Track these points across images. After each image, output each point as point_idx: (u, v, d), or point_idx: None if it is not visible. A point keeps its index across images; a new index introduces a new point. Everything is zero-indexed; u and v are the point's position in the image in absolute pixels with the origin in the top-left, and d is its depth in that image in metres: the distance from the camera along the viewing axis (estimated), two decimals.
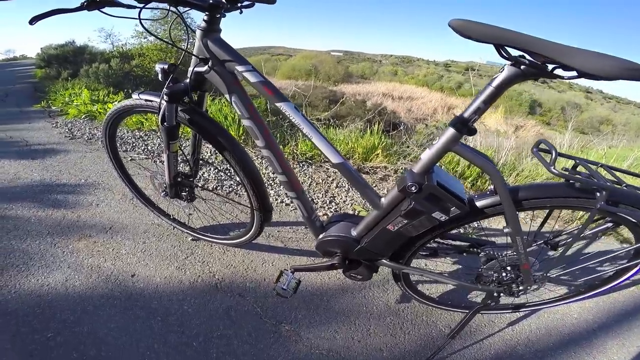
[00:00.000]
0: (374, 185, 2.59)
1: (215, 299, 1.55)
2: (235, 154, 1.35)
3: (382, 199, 1.13)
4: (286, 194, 1.36)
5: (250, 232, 1.63)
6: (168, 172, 1.52)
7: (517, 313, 1.58)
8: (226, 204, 2.14)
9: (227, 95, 1.19)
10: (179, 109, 1.29)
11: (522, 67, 0.81)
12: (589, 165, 1.02)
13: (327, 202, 2.34)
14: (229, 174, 2.51)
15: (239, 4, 1.18)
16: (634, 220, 1.05)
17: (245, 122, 1.22)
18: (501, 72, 0.86)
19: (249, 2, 1.20)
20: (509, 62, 0.83)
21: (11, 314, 1.41)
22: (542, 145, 1.06)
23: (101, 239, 1.83)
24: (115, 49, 8.25)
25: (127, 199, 2.18)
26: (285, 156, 1.79)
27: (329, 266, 1.35)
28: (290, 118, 1.14)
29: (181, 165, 1.65)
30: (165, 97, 1.21)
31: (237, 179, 1.45)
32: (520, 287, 1.27)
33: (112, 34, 9.34)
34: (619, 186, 1.02)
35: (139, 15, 0.96)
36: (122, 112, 1.49)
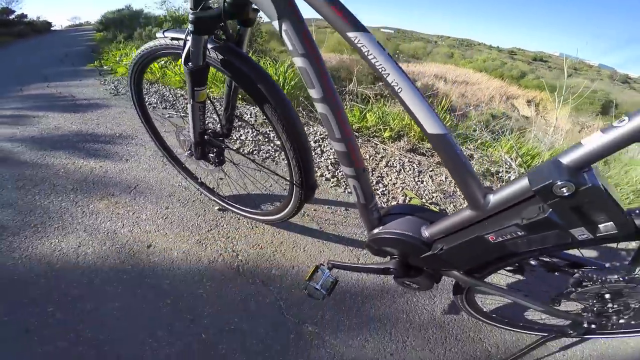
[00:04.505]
0: (429, 170, 2.18)
1: (234, 284, 1.29)
2: (279, 109, 1.01)
3: (490, 197, 0.73)
4: (341, 170, 0.97)
5: (286, 210, 1.32)
6: (193, 126, 1.21)
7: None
8: (260, 173, 1.84)
9: (275, 22, 0.80)
10: (210, 46, 0.97)
11: None
12: None
13: (373, 183, 1.96)
14: (268, 138, 2.20)
15: None
16: None
17: (298, 62, 0.81)
18: None
19: None
20: None
21: (17, 281, 1.23)
22: None
23: (123, 199, 1.62)
24: (167, 13, 7.98)
25: (157, 156, 1.96)
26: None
27: (381, 270, 1.01)
28: (369, 56, 0.72)
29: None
30: (190, 26, 0.87)
31: (278, 142, 1.07)
32: (621, 321, 0.91)
33: (167, 1, 9.00)
34: None
35: None
36: (145, 57, 1.20)
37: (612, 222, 0.61)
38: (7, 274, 1.25)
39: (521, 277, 0.93)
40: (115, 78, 3.61)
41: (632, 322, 0.94)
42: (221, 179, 1.70)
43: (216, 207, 1.61)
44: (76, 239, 1.40)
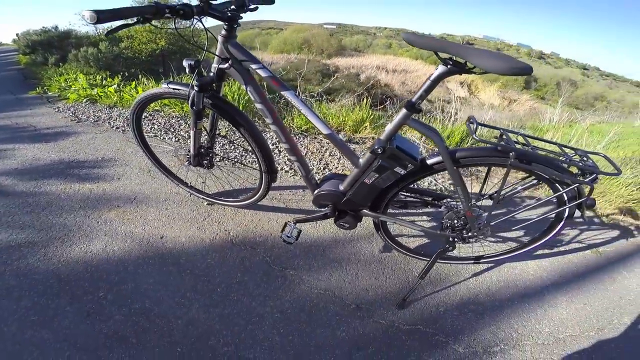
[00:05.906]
0: (362, 153, 2.76)
1: (232, 252, 1.76)
2: (249, 129, 1.57)
3: (360, 160, 1.39)
4: (289, 159, 1.64)
5: (259, 193, 1.84)
6: (193, 145, 1.72)
7: (480, 266, 1.81)
8: (238, 171, 2.34)
9: (244, 86, 1.43)
10: (205, 95, 1.50)
11: (448, 66, 1.06)
12: (509, 134, 1.29)
13: (322, 168, 2.53)
14: (239, 144, 2.71)
15: (246, 9, 1.37)
16: (546, 176, 1.31)
17: (258, 106, 1.46)
18: (436, 69, 1.09)
19: (254, 7, 1.40)
20: (441, 63, 1.07)
21: (65, 280, 1.57)
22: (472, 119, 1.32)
23: (129, 208, 1.99)
24: (100, 32, 7.62)
25: (144, 172, 2.32)
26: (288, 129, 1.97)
27: (323, 216, 1.61)
28: (291, 102, 1.38)
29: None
30: (196, 87, 1.39)
31: (250, 148, 1.67)
32: (469, 233, 1.50)
33: None
34: (526, 148, 1.27)
35: (175, 25, 1.18)
36: (151, 98, 1.66)
37: (410, 164, 1.29)
38: (54, 276, 1.58)
39: (410, 210, 1.60)
40: (68, 105, 3.68)
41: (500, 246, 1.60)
42: (203, 182, 2.14)
43: (205, 203, 2.06)
44: (101, 242, 1.77)
